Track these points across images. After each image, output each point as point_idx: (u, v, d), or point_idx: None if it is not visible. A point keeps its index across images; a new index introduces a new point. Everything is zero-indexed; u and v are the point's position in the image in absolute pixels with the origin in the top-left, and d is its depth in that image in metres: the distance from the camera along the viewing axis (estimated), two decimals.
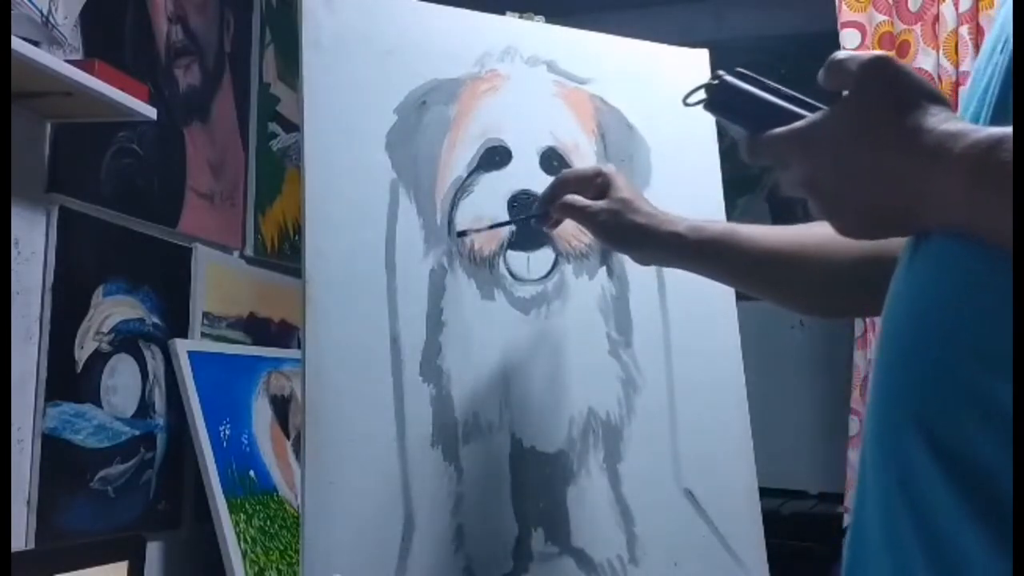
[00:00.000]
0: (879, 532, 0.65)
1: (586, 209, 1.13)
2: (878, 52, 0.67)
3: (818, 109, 0.69)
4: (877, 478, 0.66)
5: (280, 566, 1.88)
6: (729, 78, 0.76)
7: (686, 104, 0.81)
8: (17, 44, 1.33)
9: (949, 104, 0.64)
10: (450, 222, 1.28)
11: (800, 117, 0.69)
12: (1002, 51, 0.67)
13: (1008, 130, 0.59)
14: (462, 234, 1.27)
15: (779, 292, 1.09)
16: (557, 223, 1.23)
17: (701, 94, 0.78)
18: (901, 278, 0.69)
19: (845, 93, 0.67)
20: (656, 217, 1.10)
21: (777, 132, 0.69)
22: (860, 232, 0.69)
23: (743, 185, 3.02)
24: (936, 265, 0.65)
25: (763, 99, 0.73)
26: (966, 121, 0.64)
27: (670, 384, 1.37)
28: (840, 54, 0.67)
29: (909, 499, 0.63)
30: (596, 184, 1.14)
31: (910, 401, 0.64)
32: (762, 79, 0.75)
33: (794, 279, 1.04)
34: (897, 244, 0.73)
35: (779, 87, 0.73)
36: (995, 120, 0.64)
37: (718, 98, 0.77)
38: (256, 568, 1.82)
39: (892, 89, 0.64)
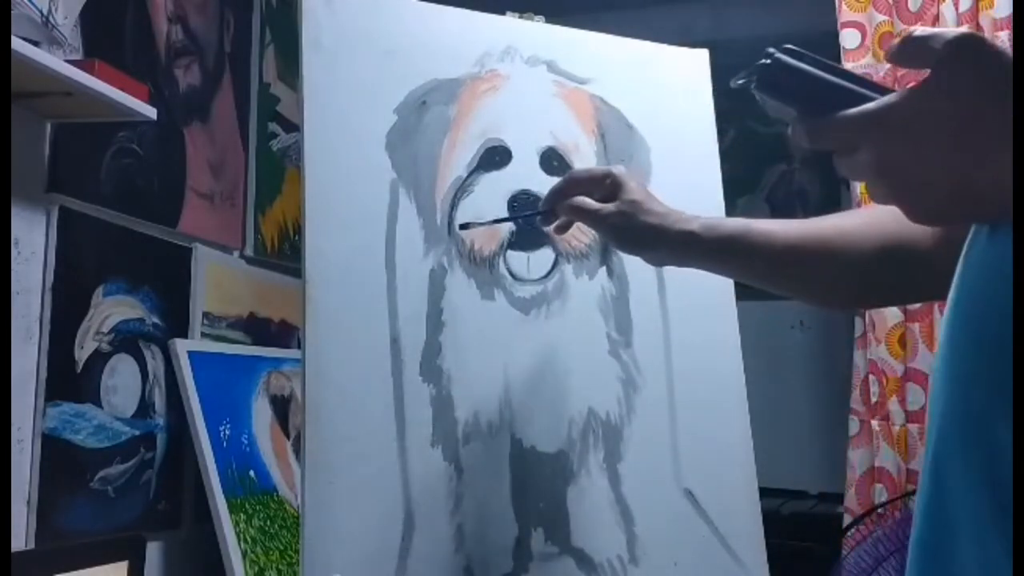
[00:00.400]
0: (962, 512, 0.63)
1: (597, 212, 1.11)
2: (965, 30, 0.64)
3: (879, 88, 0.66)
4: (952, 456, 0.64)
5: (280, 566, 1.88)
6: (783, 56, 0.70)
7: (734, 85, 0.77)
8: (17, 44, 1.33)
9: None
10: (450, 222, 1.28)
11: (863, 96, 0.65)
12: None
13: None
14: (464, 227, 1.26)
15: (798, 287, 1.07)
16: (566, 226, 1.21)
17: (748, 74, 0.72)
18: (975, 262, 0.67)
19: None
20: (668, 217, 1.08)
21: (848, 114, 0.65)
22: (938, 219, 0.66)
23: (743, 185, 3.02)
24: None
25: (823, 78, 0.68)
26: None
27: (670, 384, 1.37)
28: (920, 30, 0.63)
29: (989, 476, 0.61)
30: (605, 186, 1.12)
31: (992, 383, 0.62)
32: (814, 56, 0.70)
33: (812, 274, 1.02)
34: (919, 233, 0.71)
35: (834, 64, 0.69)
36: None
37: (770, 78, 0.70)
38: (256, 568, 1.82)
39: (987, 70, 0.61)
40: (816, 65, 0.69)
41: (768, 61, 0.70)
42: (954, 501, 0.64)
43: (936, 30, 0.63)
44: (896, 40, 0.65)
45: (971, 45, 0.61)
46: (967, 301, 0.67)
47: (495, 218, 1.27)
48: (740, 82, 0.74)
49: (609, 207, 1.10)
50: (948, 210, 0.64)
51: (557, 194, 1.16)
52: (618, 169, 1.15)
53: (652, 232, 1.08)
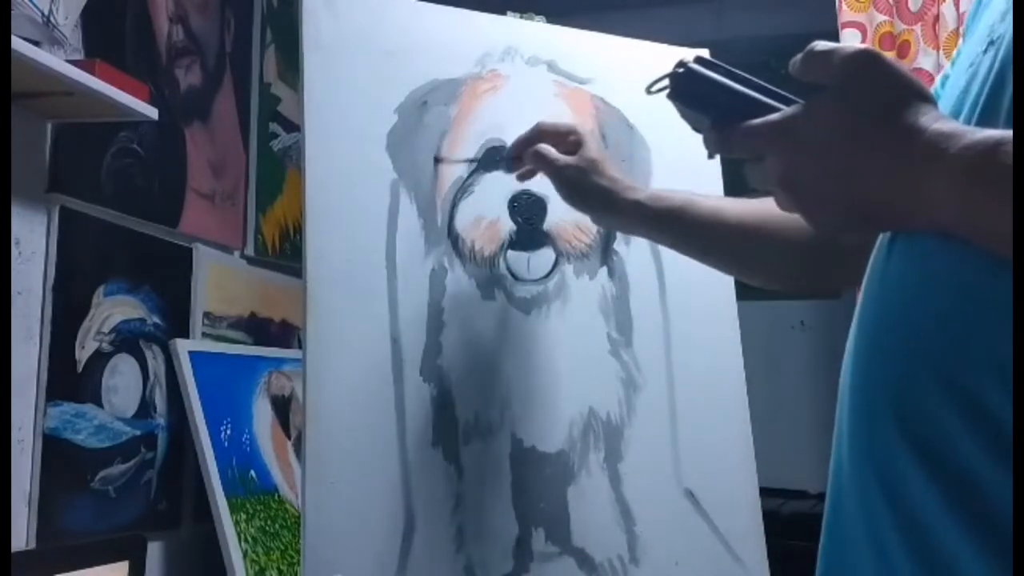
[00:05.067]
0: (860, 529, 0.65)
1: (555, 162, 1.16)
2: (862, 46, 0.66)
3: (787, 99, 0.67)
4: (854, 473, 0.66)
5: (280, 566, 1.88)
6: (695, 66, 0.72)
7: (649, 92, 0.79)
8: (18, 44, 1.33)
9: (936, 102, 0.64)
10: (451, 221, 1.28)
11: (770, 107, 0.67)
12: (985, 52, 0.67)
13: (1006, 133, 0.58)
14: (437, 161, 1.28)
15: (735, 263, 1.11)
16: (529, 175, 1.25)
17: (664, 83, 0.75)
18: (877, 277, 0.69)
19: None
20: (620, 183, 1.13)
21: (753, 124, 0.67)
22: (836, 228, 0.68)
23: (743, 185, 3.01)
24: (917, 264, 0.65)
25: (732, 88, 0.70)
26: (953, 120, 0.63)
27: (670, 384, 1.37)
28: (820, 45, 0.65)
29: (889, 495, 0.63)
30: (569, 141, 1.18)
31: (890, 400, 0.64)
32: (726, 66, 0.72)
33: (752, 252, 1.05)
34: None
35: (745, 75, 0.71)
36: (982, 120, 0.63)
37: (683, 87, 0.73)
38: (257, 568, 1.82)
39: (881, 86, 0.62)
40: (728, 76, 0.71)
41: (681, 70, 0.72)
42: (852, 522, 0.66)
43: (836, 45, 0.65)
44: (800, 54, 0.66)
45: (866, 61, 0.63)
46: (869, 329, 0.68)
47: (493, 218, 1.28)
48: (654, 89, 0.76)
49: (567, 159, 1.15)
50: (843, 221, 0.66)
51: (524, 142, 1.21)
52: (583, 127, 1.20)
53: (601, 194, 1.12)
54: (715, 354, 1.41)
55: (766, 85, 0.70)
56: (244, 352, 2.06)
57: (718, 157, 1.46)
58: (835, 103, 0.63)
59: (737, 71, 0.71)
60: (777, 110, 0.67)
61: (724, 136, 0.70)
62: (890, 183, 0.62)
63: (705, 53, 1.51)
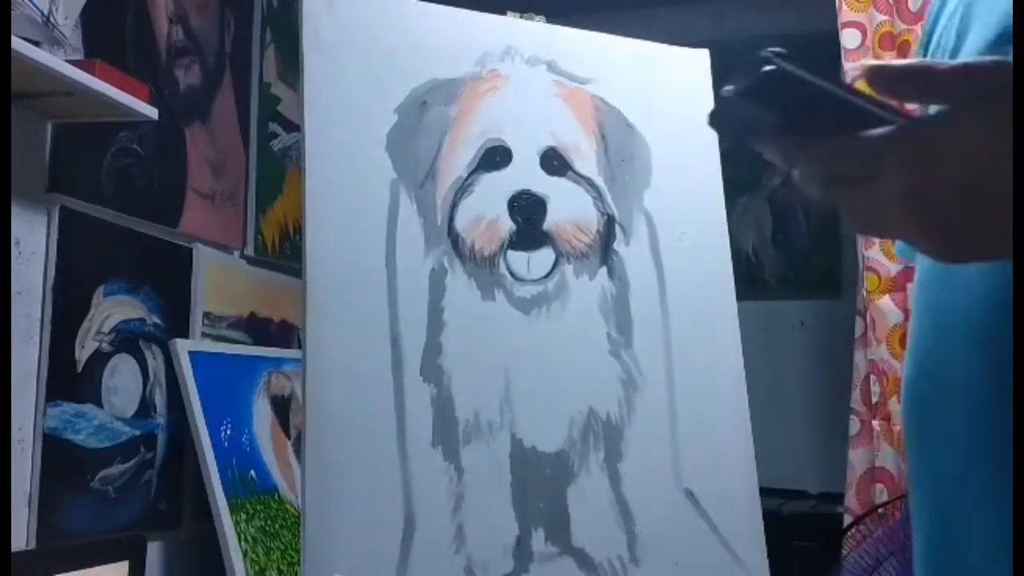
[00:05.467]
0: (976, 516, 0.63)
1: None
2: (991, 58, 0.58)
3: (887, 107, 0.56)
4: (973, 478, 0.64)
5: (281, 566, 1.88)
6: (788, 66, 0.57)
7: (724, 95, 0.63)
8: (18, 44, 1.33)
9: None
10: (451, 221, 1.28)
11: (878, 116, 0.56)
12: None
13: None
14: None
15: None
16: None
17: (746, 81, 0.58)
18: (939, 276, 0.67)
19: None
20: None
21: (878, 134, 0.55)
22: (975, 256, 0.58)
23: (743, 185, 3.02)
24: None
25: (834, 93, 0.57)
26: None
27: (670, 384, 1.37)
28: (940, 65, 0.56)
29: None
30: None
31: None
32: (795, 64, 0.57)
33: None
34: None
35: (828, 77, 0.58)
36: None
37: (767, 87, 0.58)
38: (257, 568, 1.82)
39: (1009, 103, 0.52)
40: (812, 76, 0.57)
41: (771, 68, 0.56)
42: (961, 500, 0.64)
43: (956, 63, 0.55)
44: (904, 80, 0.57)
45: (1003, 70, 0.54)
46: (935, 319, 0.66)
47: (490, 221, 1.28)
48: (735, 88, 0.62)
49: None
50: (988, 246, 0.56)
51: None
52: None
53: None
54: (715, 354, 1.41)
55: (853, 87, 0.59)
56: (244, 352, 2.06)
57: (715, 154, 1.46)
58: (990, 113, 0.54)
59: (805, 73, 0.61)
60: (886, 120, 0.56)
61: (832, 148, 0.57)
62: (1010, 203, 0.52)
63: (705, 54, 1.52)
